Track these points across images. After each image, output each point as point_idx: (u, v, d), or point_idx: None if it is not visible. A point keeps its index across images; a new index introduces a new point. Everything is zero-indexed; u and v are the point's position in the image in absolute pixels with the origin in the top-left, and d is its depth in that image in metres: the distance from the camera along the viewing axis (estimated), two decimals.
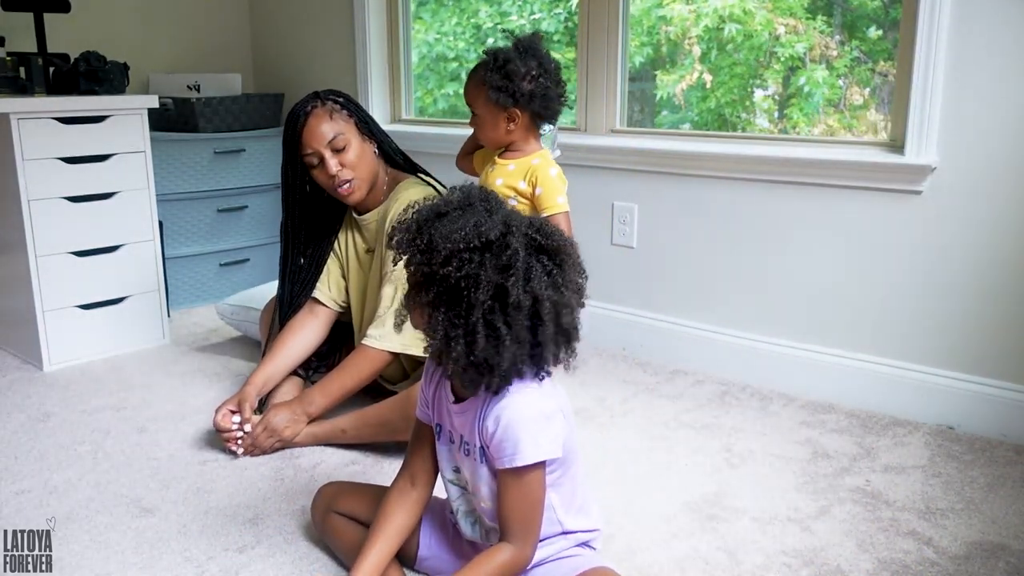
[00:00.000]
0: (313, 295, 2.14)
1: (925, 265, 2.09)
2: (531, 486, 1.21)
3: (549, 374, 1.23)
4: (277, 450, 1.95)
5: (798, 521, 1.66)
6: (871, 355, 2.19)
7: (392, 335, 1.90)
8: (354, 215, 2.10)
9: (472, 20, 3.25)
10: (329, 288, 2.14)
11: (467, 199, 1.20)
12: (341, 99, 2.01)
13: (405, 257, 1.20)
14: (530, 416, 1.19)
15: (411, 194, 1.96)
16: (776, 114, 2.62)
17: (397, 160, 2.11)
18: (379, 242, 2.03)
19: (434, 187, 2.05)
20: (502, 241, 1.14)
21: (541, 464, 1.21)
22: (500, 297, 1.14)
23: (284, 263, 2.17)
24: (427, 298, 1.17)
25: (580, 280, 1.21)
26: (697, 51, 2.62)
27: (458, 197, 1.20)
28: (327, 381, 1.97)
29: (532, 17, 3.06)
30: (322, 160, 1.95)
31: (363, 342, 1.94)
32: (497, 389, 1.20)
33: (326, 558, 1.52)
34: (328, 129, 1.94)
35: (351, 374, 1.95)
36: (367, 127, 2.03)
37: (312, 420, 1.97)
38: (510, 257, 1.14)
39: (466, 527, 1.36)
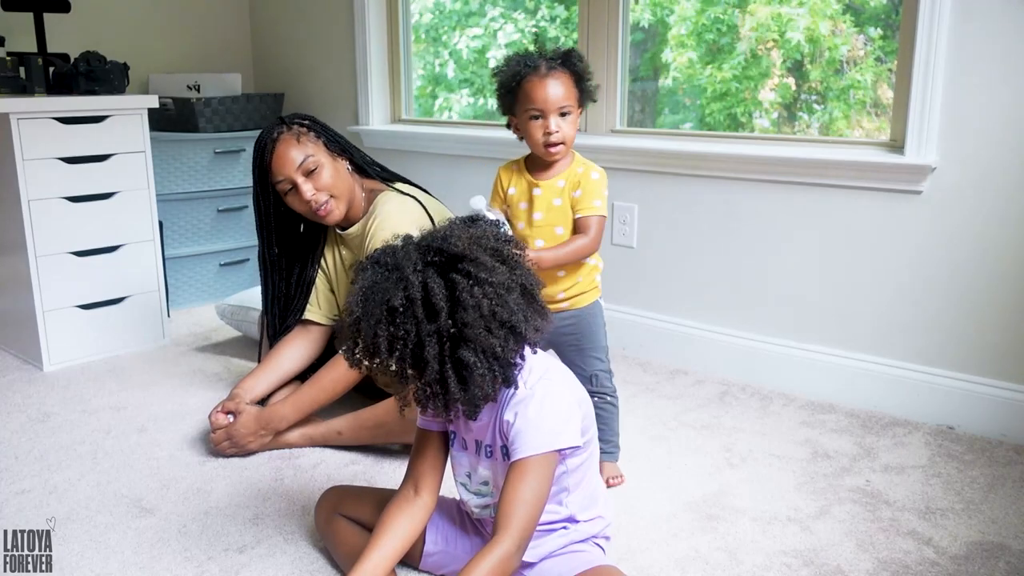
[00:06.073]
0: (304, 317, 2.09)
1: (925, 265, 2.09)
2: (540, 478, 1.21)
3: (535, 348, 1.24)
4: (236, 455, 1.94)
5: (798, 521, 1.66)
6: (871, 355, 2.19)
7: None
8: (337, 231, 2.07)
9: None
10: (320, 306, 2.11)
11: (362, 267, 1.19)
12: (307, 121, 1.98)
13: (367, 362, 1.17)
14: (550, 409, 1.22)
15: (390, 208, 1.95)
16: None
17: (372, 172, 2.09)
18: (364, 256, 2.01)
19: (411, 195, 2.03)
20: (407, 293, 1.12)
21: (555, 455, 1.22)
22: (445, 334, 1.13)
23: (266, 291, 2.12)
24: (400, 375, 1.17)
25: (501, 275, 1.17)
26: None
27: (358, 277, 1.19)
28: (299, 394, 1.94)
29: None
30: (295, 186, 1.90)
31: (340, 351, 1.92)
32: (504, 383, 1.20)
33: (326, 559, 1.52)
34: (297, 153, 1.90)
35: (324, 386, 1.92)
36: (337, 144, 2.01)
37: (283, 433, 1.94)
38: (426, 298, 1.12)
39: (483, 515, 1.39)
